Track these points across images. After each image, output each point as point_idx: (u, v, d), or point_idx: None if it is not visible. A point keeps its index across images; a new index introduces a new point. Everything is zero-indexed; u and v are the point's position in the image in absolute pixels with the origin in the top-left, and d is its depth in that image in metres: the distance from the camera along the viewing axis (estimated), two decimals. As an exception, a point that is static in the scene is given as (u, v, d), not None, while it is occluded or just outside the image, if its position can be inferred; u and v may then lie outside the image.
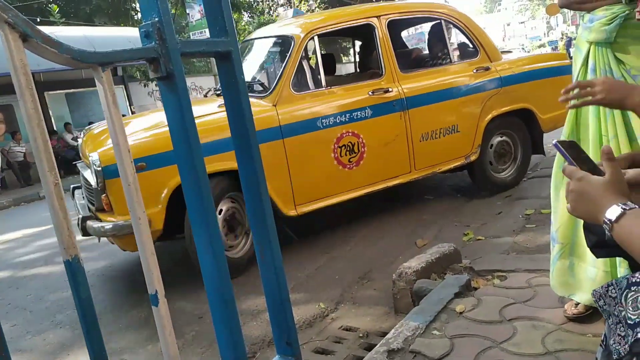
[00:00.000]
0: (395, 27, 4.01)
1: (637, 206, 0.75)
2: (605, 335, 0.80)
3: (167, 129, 2.92)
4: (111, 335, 2.52)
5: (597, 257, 1.08)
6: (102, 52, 0.92)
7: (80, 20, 15.09)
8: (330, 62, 4.33)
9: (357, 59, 4.77)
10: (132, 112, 14.48)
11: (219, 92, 3.75)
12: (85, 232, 2.98)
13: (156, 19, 1.01)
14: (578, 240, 1.64)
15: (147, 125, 3.23)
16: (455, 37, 4.12)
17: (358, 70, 4.55)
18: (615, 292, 0.75)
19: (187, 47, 1.07)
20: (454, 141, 3.77)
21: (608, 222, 0.76)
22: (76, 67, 0.90)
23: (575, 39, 1.74)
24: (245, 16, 24.06)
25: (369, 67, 4.13)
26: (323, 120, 3.29)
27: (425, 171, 3.74)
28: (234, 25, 1.21)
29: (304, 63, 3.47)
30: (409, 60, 4.17)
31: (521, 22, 63.67)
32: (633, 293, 0.71)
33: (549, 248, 2.51)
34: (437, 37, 4.11)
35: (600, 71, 1.54)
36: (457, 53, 4.13)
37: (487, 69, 3.89)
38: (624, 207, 0.75)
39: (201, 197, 1.08)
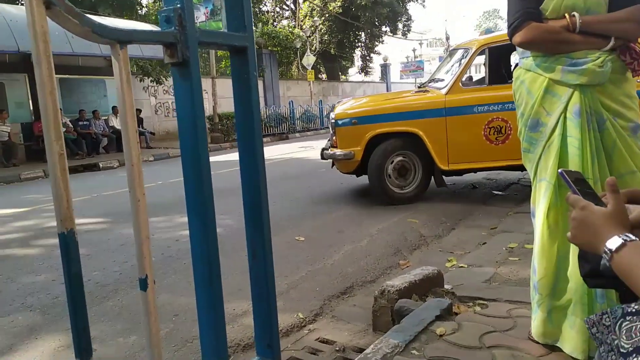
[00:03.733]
0: None
1: (637, 238, 0.76)
2: (595, 364, 0.80)
3: (366, 102, 5.31)
4: (82, 324, 2.46)
5: (589, 286, 1.09)
6: (122, 30, 0.92)
7: (85, 9, 15.03)
8: None
9: None
10: (125, 105, 14.38)
11: (419, 87, 5.73)
12: (322, 156, 5.31)
13: (178, 5, 1.01)
14: (558, 290, 1.62)
15: (359, 102, 5.40)
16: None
17: None
18: (609, 321, 0.76)
19: (205, 36, 1.07)
20: None
21: (608, 252, 0.77)
22: (94, 40, 0.89)
23: (525, 84, 1.66)
24: (250, 24, 24.17)
25: None
26: (479, 107, 4.55)
27: None
28: (252, 22, 1.21)
29: (475, 67, 5.14)
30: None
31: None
32: (628, 322, 0.72)
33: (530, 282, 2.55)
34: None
35: (587, 115, 1.54)
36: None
37: None
38: (624, 238, 0.76)
39: (202, 186, 1.07)
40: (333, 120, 4.99)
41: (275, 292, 1.28)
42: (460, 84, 4.70)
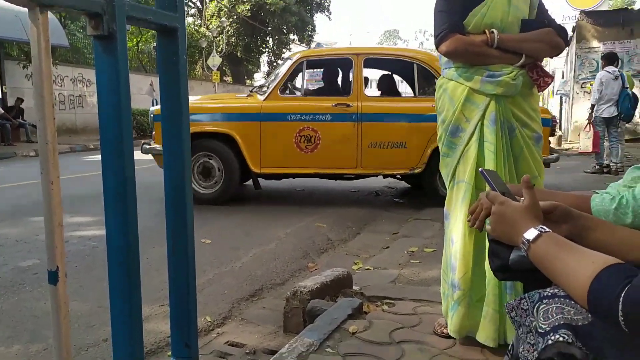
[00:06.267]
0: (372, 63, 5.29)
1: (550, 230, 0.85)
2: (513, 345, 0.87)
3: (194, 101, 5.01)
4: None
5: (499, 279, 1.19)
6: (44, -9, 0.82)
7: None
8: (346, 81, 5.60)
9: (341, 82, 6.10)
10: (4, 93, 12.91)
11: (250, 91, 5.75)
12: (142, 150, 4.98)
13: (107, -26, 0.93)
14: (476, 284, 1.73)
15: (190, 100, 5.14)
16: (425, 78, 5.16)
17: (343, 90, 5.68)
18: (527, 305, 0.83)
19: (134, 11, 1.00)
20: (400, 154, 4.85)
21: (526, 242, 0.85)
22: (12, 2, 0.79)
23: (447, 92, 1.78)
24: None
25: (345, 88, 5.34)
26: (292, 115, 4.76)
27: (369, 170, 4.96)
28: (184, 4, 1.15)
29: (295, 76, 5.19)
30: (379, 88, 5.64)
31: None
32: (544, 305, 0.79)
33: (431, 282, 2.71)
34: (406, 75, 5.46)
35: (500, 123, 1.71)
36: (423, 89, 5.14)
37: None
38: (540, 229, 0.84)
39: (125, 179, 0.99)
40: (152, 115, 5.12)
41: (195, 288, 1.22)
42: (278, 91, 4.90)
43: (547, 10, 1.82)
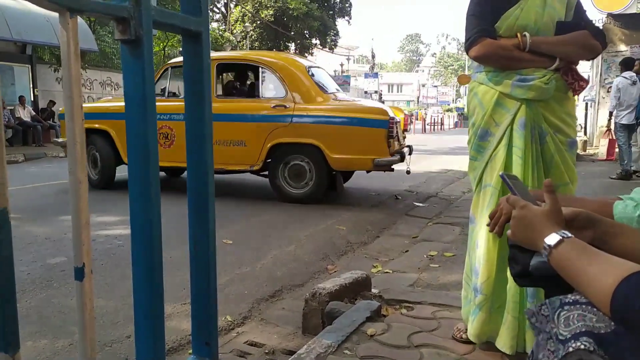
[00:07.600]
0: (224, 68, 6.11)
1: (572, 235, 0.83)
2: (533, 352, 0.86)
3: (100, 101, 5.73)
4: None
5: (519, 285, 1.17)
6: (74, -3, 0.85)
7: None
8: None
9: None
10: (35, 96, 13.31)
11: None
12: (53, 144, 6.82)
13: (134, -20, 0.96)
14: (498, 290, 1.70)
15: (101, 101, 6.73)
16: (269, 80, 5.65)
17: None
18: (548, 311, 0.82)
19: (160, 16, 1.03)
20: (240, 152, 5.37)
21: (547, 248, 0.83)
22: (43, 6, 0.82)
23: (477, 96, 1.77)
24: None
25: None
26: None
27: (215, 166, 5.22)
28: (208, 7, 1.18)
29: (160, 82, 5.86)
30: (227, 91, 6.29)
31: (434, 86, 68.80)
32: (565, 312, 0.78)
33: (451, 286, 2.69)
34: (252, 78, 6.23)
35: (530, 128, 1.68)
36: (267, 91, 5.60)
37: (285, 107, 5.22)
38: (562, 234, 0.83)
39: (148, 172, 1.01)
40: (61, 113, 6.36)
41: (216, 285, 1.24)
42: None
43: (585, 12, 1.76)
